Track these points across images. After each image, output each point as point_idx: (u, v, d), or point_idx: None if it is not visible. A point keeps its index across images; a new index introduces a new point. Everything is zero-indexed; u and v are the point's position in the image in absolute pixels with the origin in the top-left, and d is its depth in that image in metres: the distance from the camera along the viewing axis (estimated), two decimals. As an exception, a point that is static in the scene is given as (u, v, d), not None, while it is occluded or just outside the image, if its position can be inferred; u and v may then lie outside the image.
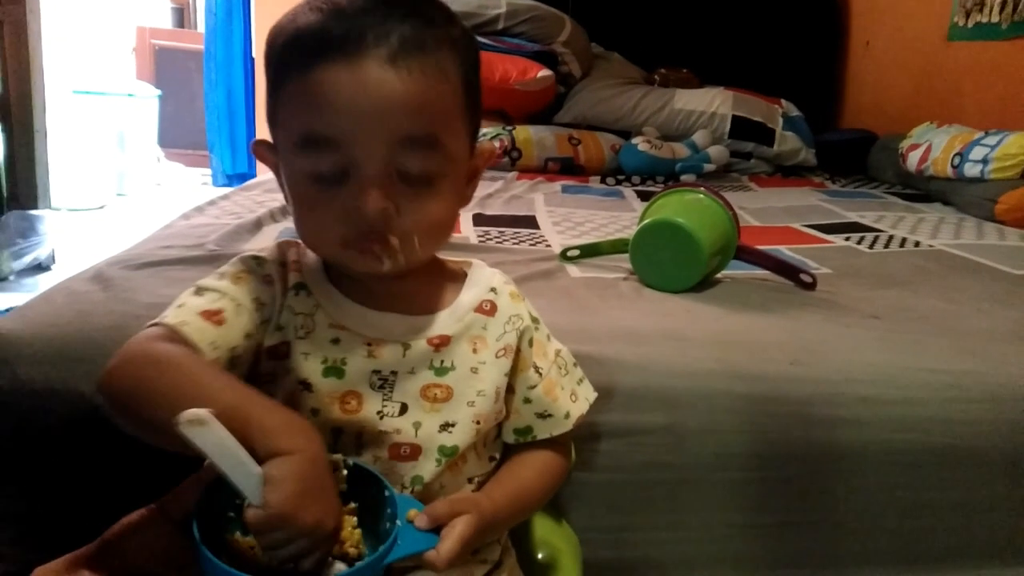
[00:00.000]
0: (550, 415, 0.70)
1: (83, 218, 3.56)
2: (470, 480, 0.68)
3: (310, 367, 0.63)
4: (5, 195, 3.06)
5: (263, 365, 0.64)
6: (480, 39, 2.58)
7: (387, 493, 0.59)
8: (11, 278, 2.62)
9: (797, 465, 0.87)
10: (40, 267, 2.73)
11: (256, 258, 0.67)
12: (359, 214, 0.59)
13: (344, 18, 0.58)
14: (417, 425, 0.64)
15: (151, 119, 4.37)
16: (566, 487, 0.85)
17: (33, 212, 2.81)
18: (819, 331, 1.00)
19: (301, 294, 0.65)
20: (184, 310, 0.61)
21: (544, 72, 2.49)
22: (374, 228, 0.60)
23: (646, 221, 1.19)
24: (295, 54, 0.60)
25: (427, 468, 0.64)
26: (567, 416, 0.71)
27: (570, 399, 0.72)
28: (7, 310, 2.03)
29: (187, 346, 0.58)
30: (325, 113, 0.58)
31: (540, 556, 0.77)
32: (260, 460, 0.51)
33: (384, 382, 0.64)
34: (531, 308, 0.73)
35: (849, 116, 3.08)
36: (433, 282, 0.69)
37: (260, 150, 0.67)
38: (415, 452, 0.64)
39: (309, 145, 0.59)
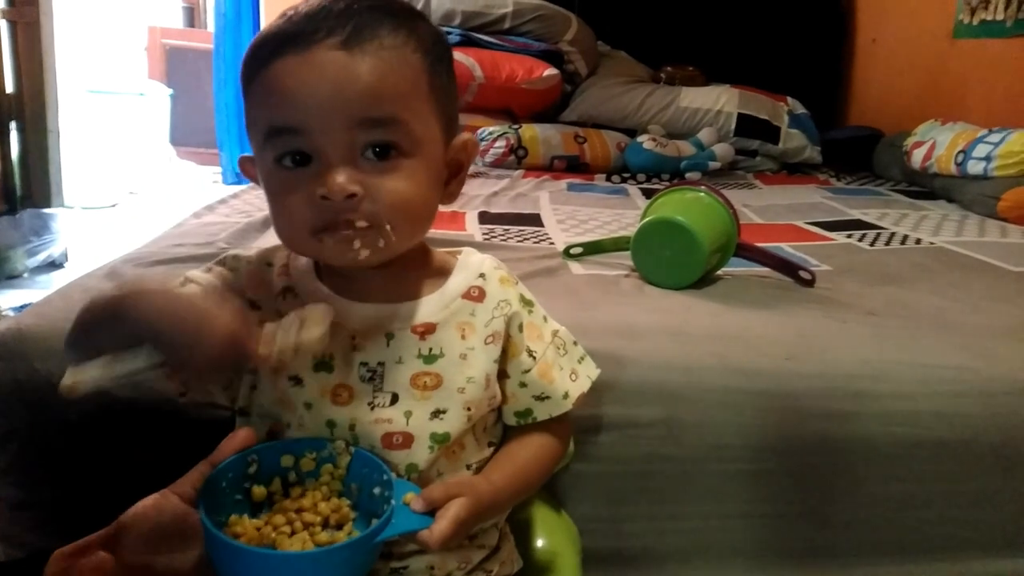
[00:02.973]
0: (548, 397, 0.71)
1: (96, 216, 3.60)
2: (468, 467, 0.69)
3: (300, 363, 0.65)
4: (19, 194, 3.11)
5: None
6: (486, 38, 2.61)
7: (385, 477, 0.61)
8: (25, 275, 2.66)
9: (791, 458, 0.89)
10: (53, 264, 2.77)
11: (236, 256, 0.70)
12: (325, 196, 0.59)
13: (303, 18, 0.61)
14: (408, 414, 0.66)
15: (163, 118, 4.41)
16: (565, 478, 0.87)
17: (46, 210, 2.85)
18: (815, 327, 1.02)
19: (288, 297, 0.68)
20: None
21: (550, 71, 2.51)
22: (341, 212, 0.60)
23: (647, 219, 1.21)
24: (257, 55, 0.62)
25: (420, 456, 0.66)
26: (566, 396, 0.72)
27: (569, 379, 0.73)
28: (22, 306, 2.07)
29: None
30: (283, 103, 0.60)
31: (539, 545, 0.79)
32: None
33: (373, 374, 0.66)
34: (524, 291, 0.73)
35: (855, 114, 3.09)
36: (420, 270, 0.70)
37: (245, 165, 0.68)
38: (407, 440, 0.66)
39: (273, 136, 0.61)
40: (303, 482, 0.64)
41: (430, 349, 0.67)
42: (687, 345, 0.94)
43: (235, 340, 0.55)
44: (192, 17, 5.58)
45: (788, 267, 1.25)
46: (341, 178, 0.59)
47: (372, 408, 0.65)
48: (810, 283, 1.22)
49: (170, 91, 4.47)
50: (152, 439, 0.85)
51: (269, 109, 0.61)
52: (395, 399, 0.66)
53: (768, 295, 1.16)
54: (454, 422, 0.67)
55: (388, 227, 0.61)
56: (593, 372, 0.75)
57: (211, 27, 4.69)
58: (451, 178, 0.69)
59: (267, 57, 0.61)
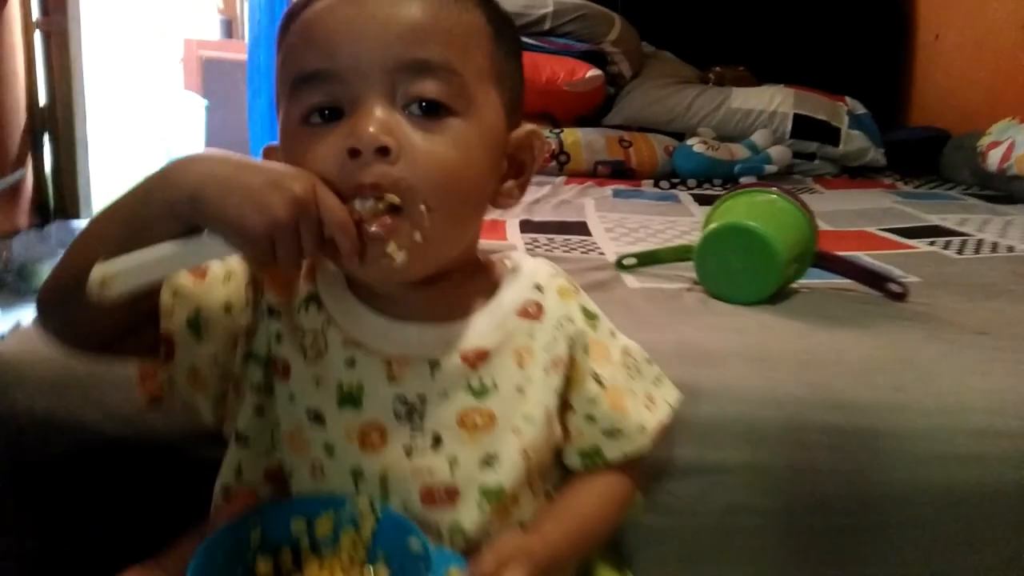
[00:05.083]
0: (620, 431, 0.59)
1: (129, 229, 3.56)
2: (522, 524, 0.57)
3: (322, 395, 0.53)
4: (52, 206, 3.07)
5: (253, 375, 0.55)
6: (526, 39, 2.49)
7: (421, 546, 0.49)
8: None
9: (904, 510, 0.74)
10: (83, 278, 2.71)
11: None
12: (354, 148, 0.48)
13: None
14: (453, 462, 0.54)
15: (198, 129, 4.39)
16: (633, 533, 0.74)
17: (76, 223, 2.81)
18: (922, 351, 0.87)
19: (311, 308, 0.55)
20: None
21: (593, 72, 2.39)
22: (369, 172, 0.48)
23: (714, 225, 1.07)
24: (296, 8, 0.53)
25: (468, 515, 0.54)
26: (642, 429, 0.60)
27: (644, 407, 0.60)
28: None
29: None
30: (316, 43, 0.50)
31: (603, 615, 0.66)
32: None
33: (411, 410, 0.54)
34: (587, 301, 0.61)
35: (917, 114, 2.91)
36: (466, 279, 0.58)
37: (271, 157, 0.57)
38: (452, 495, 0.54)
39: (301, 84, 0.51)
40: (319, 552, 0.52)
41: (481, 380, 0.55)
42: (772, 373, 0.79)
43: (305, 202, 0.44)
44: (230, 29, 5.58)
45: (875, 279, 1.10)
46: (373, 127, 0.48)
47: (409, 454, 0.53)
48: (901, 297, 1.07)
49: (206, 102, 4.44)
50: (145, 481, 0.73)
51: (300, 54, 0.51)
52: (437, 442, 0.54)
53: (857, 311, 1.01)
54: (509, 471, 0.54)
55: (423, 207, 0.49)
56: (672, 396, 0.63)
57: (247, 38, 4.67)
58: (509, 177, 0.57)
59: (307, 4, 0.52)
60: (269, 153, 0.57)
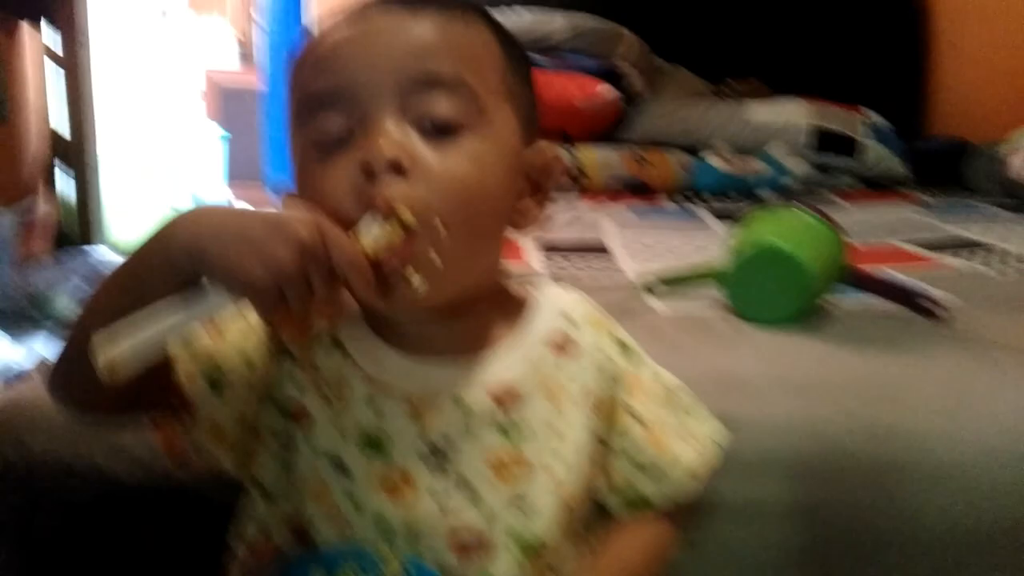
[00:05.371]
0: (662, 472, 0.56)
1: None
2: None
3: (344, 441, 0.51)
4: (69, 235, 3.07)
5: (271, 419, 0.53)
6: (536, 56, 2.47)
7: None
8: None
9: (958, 548, 0.70)
10: (98, 306, 2.70)
11: None
12: (367, 163, 0.47)
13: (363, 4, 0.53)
14: (483, 507, 0.51)
15: (218, 159, 4.39)
16: (666, 573, 0.70)
17: (92, 250, 2.80)
18: (970, 375, 0.82)
19: (330, 349, 0.53)
20: None
21: (607, 88, 2.36)
22: (382, 190, 0.47)
23: (747, 251, 1.02)
24: (305, 47, 0.53)
25: (502, 566, 0.50)
26: (686, 470, 0.57)
27: (687, 445, 0.57)
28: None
29: None
30: (326, 65, 0.50)
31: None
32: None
33: (438, 453, 0.51)
34: (618, 330, 0.59)
35: (936, 123, 2.86)
36: (490, 309, 0.55)
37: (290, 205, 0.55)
38: (484, 544, 0.50)
39: (310, 109, 0.50)
40: (342, 609, 0.49)
41: (511, 418, 0.52)
42: (815, 402, 0.76)
43: (311, 245, 0.43)
44: (249, 59, 5.59)
45: (910, 298, 1.06)
46: (385, 142, 0.47)
47: (437, 500, 0.50)
48: (938, 316, 1.03)
49: (225, 133, 4.44)
50: (161, 527, 0.71)
51: (309, 78, 0.50)
52: (466, 487, 0.51)
53: (895, 333, 0.97)
54: (543, 517, 0.51)
55: (439, 223, 0.47)
56: (717, 432, 0.60)
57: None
58: (526, 196, 0.55)
59: (320, 36, 0.52)
60: (290, 204, 0.54)
